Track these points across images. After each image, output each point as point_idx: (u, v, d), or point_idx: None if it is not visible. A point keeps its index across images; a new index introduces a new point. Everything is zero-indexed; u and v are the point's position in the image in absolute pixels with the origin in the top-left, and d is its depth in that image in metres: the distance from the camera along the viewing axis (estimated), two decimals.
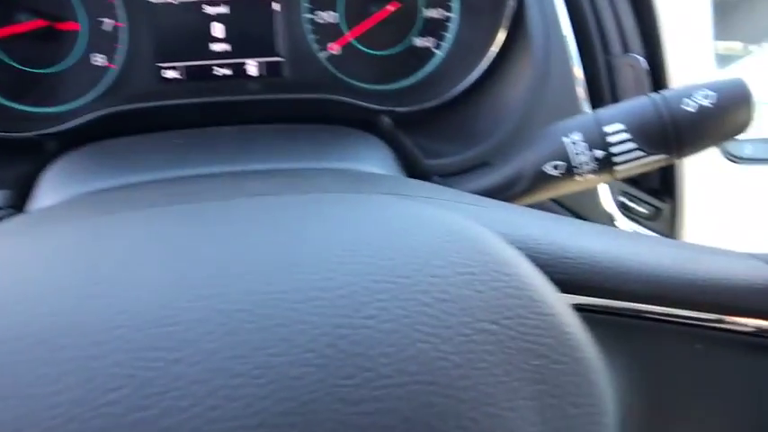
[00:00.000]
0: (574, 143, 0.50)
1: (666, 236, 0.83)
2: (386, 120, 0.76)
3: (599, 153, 0.50)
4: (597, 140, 0.50)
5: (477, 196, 0.39)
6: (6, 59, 0.70)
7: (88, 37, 0.72)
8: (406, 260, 0.27)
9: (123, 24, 0.72)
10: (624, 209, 0.80)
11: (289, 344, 0.24)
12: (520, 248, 0.31)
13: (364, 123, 0.79)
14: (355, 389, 0.24)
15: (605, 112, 0.51)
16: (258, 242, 0.28)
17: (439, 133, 0.75)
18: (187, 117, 0.73)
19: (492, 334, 0.26)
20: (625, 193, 0.80)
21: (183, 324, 0.24)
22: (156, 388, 0.23)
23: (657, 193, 0.83)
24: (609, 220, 0.78)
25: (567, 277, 0.31)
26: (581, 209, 0.75)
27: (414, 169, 0.68)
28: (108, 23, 0.72)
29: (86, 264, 0.26)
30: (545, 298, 0.28)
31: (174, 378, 0.23)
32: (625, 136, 0.50)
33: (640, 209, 0.81)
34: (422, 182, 0.42)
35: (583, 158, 0.50)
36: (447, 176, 0.69)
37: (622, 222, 0.79)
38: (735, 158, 0.84)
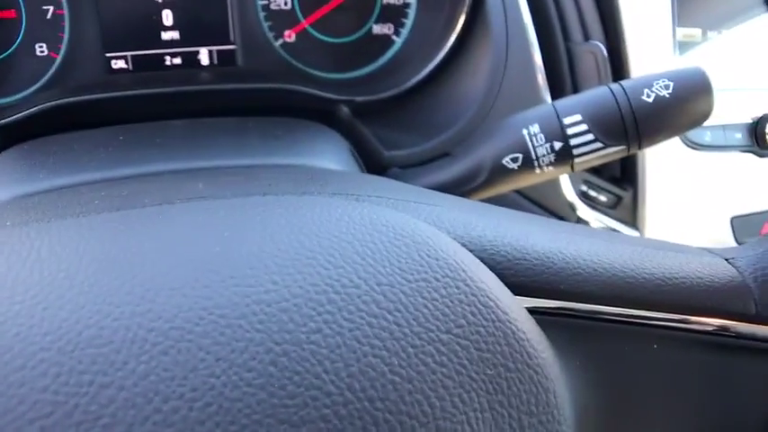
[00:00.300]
0: (533, 135, 0.49)
1: (627, 223, 0.83)
2: (344, 109, 0.74)
3: (557, 145, 0.49)
4: (556, 132, 0.49)
5: (430, 193, 0.38)
6: None
7: (28, 25, 0.68)
8: (352, 268, 0.26)
9: (65, 12, 0.68)
10: (585, 197, 0.80)
11: (227, 363, 0.22)
12: (473, 251, 0.30)
13: (322, 113, 0.77)
14: (300, 409, 0.22)
15: (564, 102, 0.50)
16: (193, 253, 0.26)
17: (398, 123, 0.73)
18: (136, 109, 0.70)
19: (444, 344, 0.25)
20: (586, 182, 0.80)
21: (113, 344, 0.22)
22: (87, 414, 0.21)
23: (618, 182, 0.83)
24: (570, 209, 0.78)
25: (521, 280, 0.30)
26: (542, 198, 0.75)
27: (373, 161, 0.66)
28: (49, 10, 0.68)
29: (6, 281, 0.24)
30: (499, 304, 0.27)
31: (106, 403, 0.21)
32: (584, 127, 0.49)
33: (601, 197, 0.82)
34: (374, 178, 0.41)
35: (541, 150, 0.49)
36: (407, 167, 0.67)
37: (584, 211, 0.79)
38: (694, 145, 0.85)
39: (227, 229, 0.27)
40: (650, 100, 0.47)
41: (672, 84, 0.47)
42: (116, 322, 0.23)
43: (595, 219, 0.81)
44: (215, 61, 0.74)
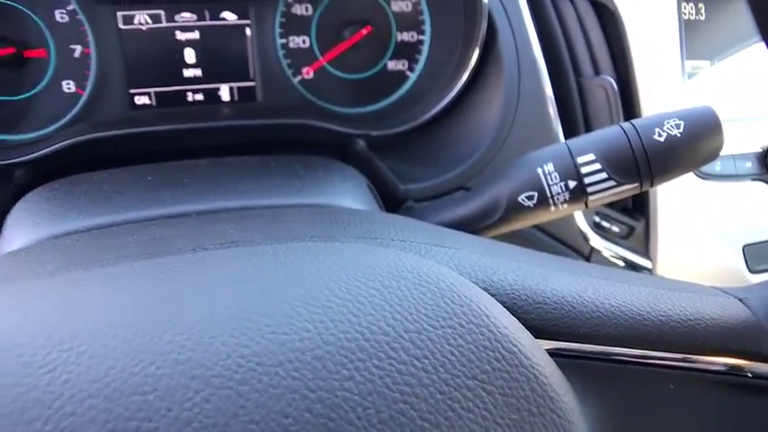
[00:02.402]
0: (547, 174, 0.51)
1: (640, 253, 0.84)
2: (360, 143, 0.76)
3: (572, 183, 0.51)
4: (570, 171, 0.50)
5: (450, 234, 0.39)
6: None
7: (57, 63, 0.71)
8: (380, 315, 0.27)
9: (91, 50, 0.71)
10: (598, 228, 0.81)
11: (266, 410, 0.24)
12: (494, 295, 0.31)
13: (339, 147, 0.79)
14: None
15: (577, 141, 0.52)
16: (229, 301, 0.27)
17: (413, 157, 0.75)
18: (159, 144, 0.72)
19: (470, 390, 0.26)
20: (598, 213, 0.81)
21: (157, 392, 0.24)
22: None
23: (630, 212, 0.84)
24: (583, 239, 0.79)
25: (542, 323, 0.31)
26: (555, 229, 0.76)
27: (389, 194, 0.68)
28: (77, 50, 0.71)
29: (54, 329, 0.26)
30: (521, 348, 0.28)
31: None
32: (597, 166, 0.50)
33: (614, 228, 0.83)
34: (395, 218, 0.42)
35: (556, 189, 0.51)
36: (422, 200, 0.69)
37: (596, 241, 0.80)
38: (705, 176, 0.86)
39: (260, 276, 0.29)
40: (662, 139, 0.48)
41: (683, 123, 0.49)
42: (159, 370, 0.24)
43: (607, 248, 0.82)
44: (235, 97, 0.76)
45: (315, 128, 0.73)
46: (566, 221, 0.76)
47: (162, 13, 0.71)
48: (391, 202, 0.65)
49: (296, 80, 0.78)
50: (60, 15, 0.69)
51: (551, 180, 0.50)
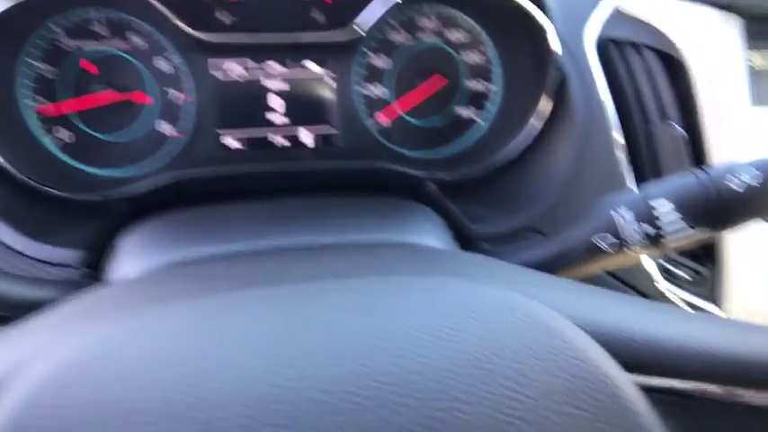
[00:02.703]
0: (623, 218, 0.53)
1: (708, 298, 0.84)
2: (432, 186, 0.80)
3: (647, 228, 0.52)
4: (645, 216, 0.52)
5: (538, 273, 0.42)
6: (82, 126, 0.76)
7: (158, 108, 0.77)
8: (487, 345, 0.30)
9: (189, 97, 0.77)
10: (666, 273, 0.82)
11: (390, 425, 0.26)
12: (588, 331, 0.33)
13: (411, 189, 0.83)
14: None
15: (652, 188, 0.54)
16: (349, 325, 0.30)
17: (484, 200, 0.78)
18: (246, 183, 0.77)
19: (571, 417, 0.28)
20: (668, 258, 0.82)
21: (292, 403, 0.27)
22: None
23: (698, 257, 0.85)
24: (650, 283, 0.80)
25: (632, 359, 0.33)
26: (623, 272, 0.77)
27: (460, 235, 0.71)
28: (176, 96, 0.77)
29: (199, 346, 0.29)
30: (616, 381, 0.31)
31: None
32: (672, 212, 0.52)
33: (682, 273, 0.83)
34: (481, 257, 0.45)
35: (632, 233, 0.52)
36: (492, 241, 0.71)
37: (664, 286, 0.80)
38: None
39: (377, 306, 0.32)
40: (740, 189, 0.50)
41: (759, 174, 0.50)
42: (292, 383, 0.27)
43: (675, 294, 0.82)
44: (317, 142, 0.81)
45: (389, 171, 0.78)
46: (635, 266, 0.77)
47: (252, 63, 0.77)
48: (462, 242, 0.68)
49: (372, 126, 0.83)
50: (162, 64, 0.76)
51: (627, 224, 0.52)
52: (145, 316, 0.33)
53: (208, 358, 0.29)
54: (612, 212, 0.53)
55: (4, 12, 0.62)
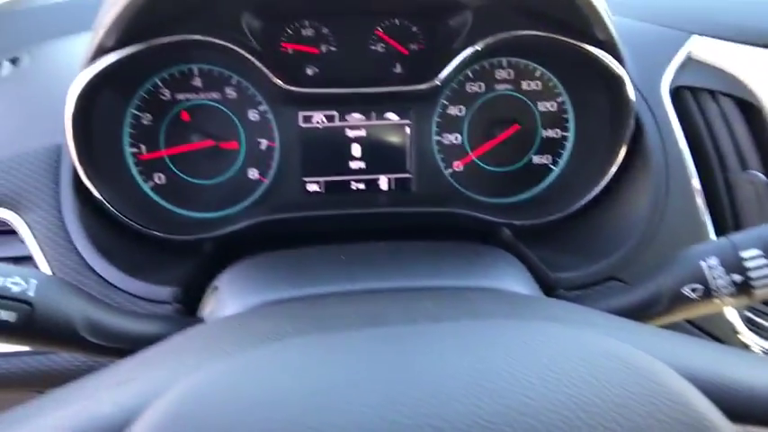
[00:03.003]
0: (711, 267, 0.53)
1: None
2: (506, 232, 0.81)
3: (737, 277, 0.52)
4: (735, 265, 0.52)
5: (631, 321, 0.42)
6: (177, 171, 0.81)
7: (246, 154, 0.82)
8: (591, 390, 0.31)
9: (276, 144, 0.82)
10: (750, 323, 0.80)
11: None
12: (689, 379, 0.34)
13: (483, 234, 0.85)
14: None
15: (740, 237, 0.54)
16: (457, 367, 0.32)
17: (559, 246, 0.78)
18: (325, 226, 0.81)
19: None
20: (751, 307, 0.80)
21: None
22: None
23: None
24: (733, 333, 0.78)
25: (733, 408, 0.34)
26: (705, 323, 0.75)
27: (539, 281, 0.71)
28: (264, 144, 0.82)
29: (315, 382, 0.31)
30: (721, 428, 0.31)
31: None
32: (763, 261, 0.52)
33: (766, 323, 0.80)
34: (571, 304, 0.46)
35: (721, 283, 0.52)
36: (571, 289, 0.71)
37: (747, 336, 0.78)
38: None
39: (478, 348, 0.33)
40: None
41: None
42: (409, 420, 0.29)
43: (758, 344, 0.79)
44: (392, 187, 0.84)
45: (463, 216, 0.79)
46: (717, 315, 0.75)
47: (336, 113, 0.82)
48: (542, 289, 0.68)
49: (447, 172, 0.85)
50: (253, 114, 0.81)
51: (716, 274, 0.52)
52: (261, 353, 0.35)
53: (325, 395, 0.31)
54: (701, 262, 0.53)
55: (119, 61, 0.68)
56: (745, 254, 0.52)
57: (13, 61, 0.86)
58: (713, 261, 0.53)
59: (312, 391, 0.31)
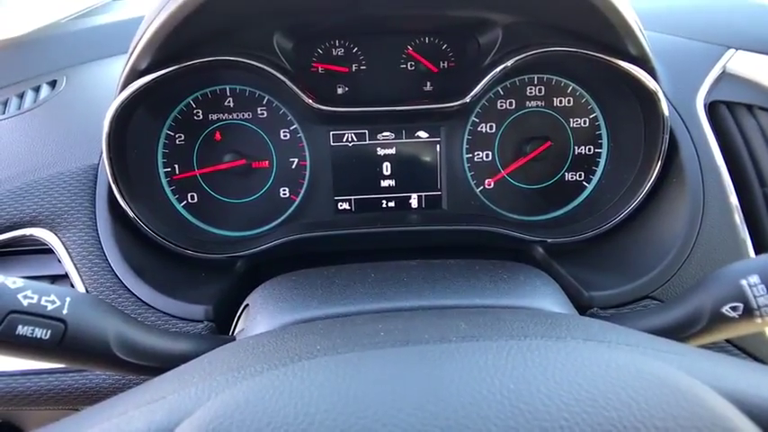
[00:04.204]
0: (752, 286, 0.51)
1: None
2: (539, 249, 0.80)
3: None
4: None
5: (670, 341, 0.41)
6: (209, 191, 0.82)
7: (277, 173, 0.83)
8: (629, 411, 0.30)
9: (307, 163, 0.83)
10: None
11: None
12: (730, 399, 0.32)
13: (514, 252, 0.83)
14: None
15: None
16: (491, 388, 0.31)
17: (593, 264, 0.77)
18: (356, 244, 0.81)
19: None
20: None
21: None
22: None
23: None
24: None
25: None
26: (749, 344, 0.73)
27: (573, 300, 0.70)
28: (294, 162, 0.83)
29: (352, 399, 0.31)
30: None
31: None
32: None
33: None
34: (608, 324, 0.45)
35: (763, 301, 0.50)
36: (606, 308, 0.70)
37: None
38: None
39: (513, 368, 0.33)
40: None
41: None
42: (441, 430, 0.29)
43: None
44: (423, 205, 0.84)
45: (494, 234, 0.79)
46: (756, 333, 0.73)
47: (366, 132, 0.82)
48: (576, 307, 0.67)
49: (478, 190, 0.85)
50: (284, 134, 0.82)
51: (757, 292, 0.50)
52: (291, 372, 0.35)
53: (357, 414, 0.30)
54: (742, 281, 0.51)
55: (153, 82, 0.70)
56: None
57: (52, 84, 0.89)
58: (754, 279, 0.51)
59: (343, 411, 0.30)
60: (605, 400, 0.31)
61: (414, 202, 0.84)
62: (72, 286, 0.70)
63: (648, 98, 0.74)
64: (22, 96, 0.88)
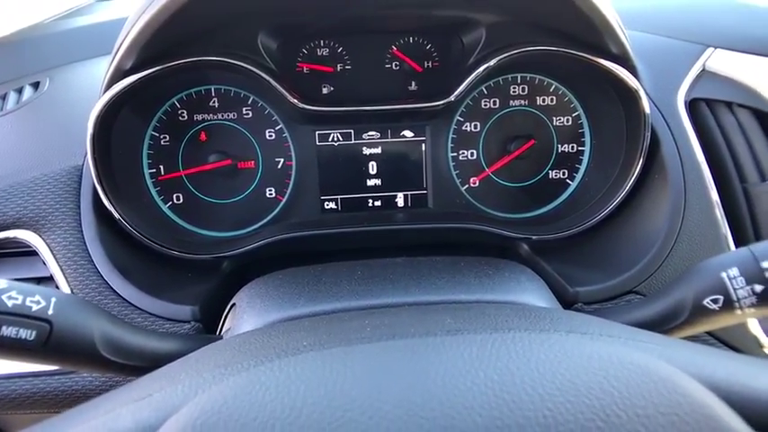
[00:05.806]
0: (732, 278, 0.52)
1: None
2: (523, 246, 0.81)
3: (759, 288, 0.51)
4: (756, 275, 0.51)
5: (652, 333, 0.42)
6: (194, 191, 0.82)
7: (263, 173, 0.83)
8: (611, 400, 0.30)
9: (292, 163, 0.83)
10: None
11: None
12: (710, 388, 0.33)
13: (499, 249, 0.84)
14: None
15: (761, 247, 0.53)
16: (476, 379, 0.32)
17: (577, 260, 0.78)
18: (342, 243, 0.81)
19: None
20: None
21: None
22: None
23: None
24: (756, 345, 0.76)
25: (755, 417, 0.33)
26: (726, 333, 0.74)
27: (558, 295, 0.71)
28: (280, 162, 0.83)
29: (339, 394, 0.31)
30: None
31: None
32: None
33: None
34: (591, 317, 0.46)
35: (742, 293, 0.51)
36: (591, 303, 0.71)
37: None
38: None
39: (497, 360, 0.33)
40: None
41: None
42: (427, 421, 0.29)
43: None
44: (409, 204, 0.85)
45: (479, 231, 0.79)
46: (737, 325, 0.74)
47: (352, 131, 0.82)
48: (561, 302, 0.68)
49: (463, 188, 0.85)
50: (269, 134, 0.82)
51: (737, 284, 0.51)
52: (277, 367, 0.35)
53: (343, 408, 0.31)
54: (722, 273, 0.52)
55: (137, 83, 0.70)
56: (766, 264, 0.51)
57: (35, 86, 0.88)
58: (734, 272, 0.52)
59: (329, 404, 0.31)
60: (587, 389, 0.31)
61: (400, 201, 0.84)
62: (57, 288, 0.70)
63: (630, 96, 0.75)
64: (4, 98, 0.87)
